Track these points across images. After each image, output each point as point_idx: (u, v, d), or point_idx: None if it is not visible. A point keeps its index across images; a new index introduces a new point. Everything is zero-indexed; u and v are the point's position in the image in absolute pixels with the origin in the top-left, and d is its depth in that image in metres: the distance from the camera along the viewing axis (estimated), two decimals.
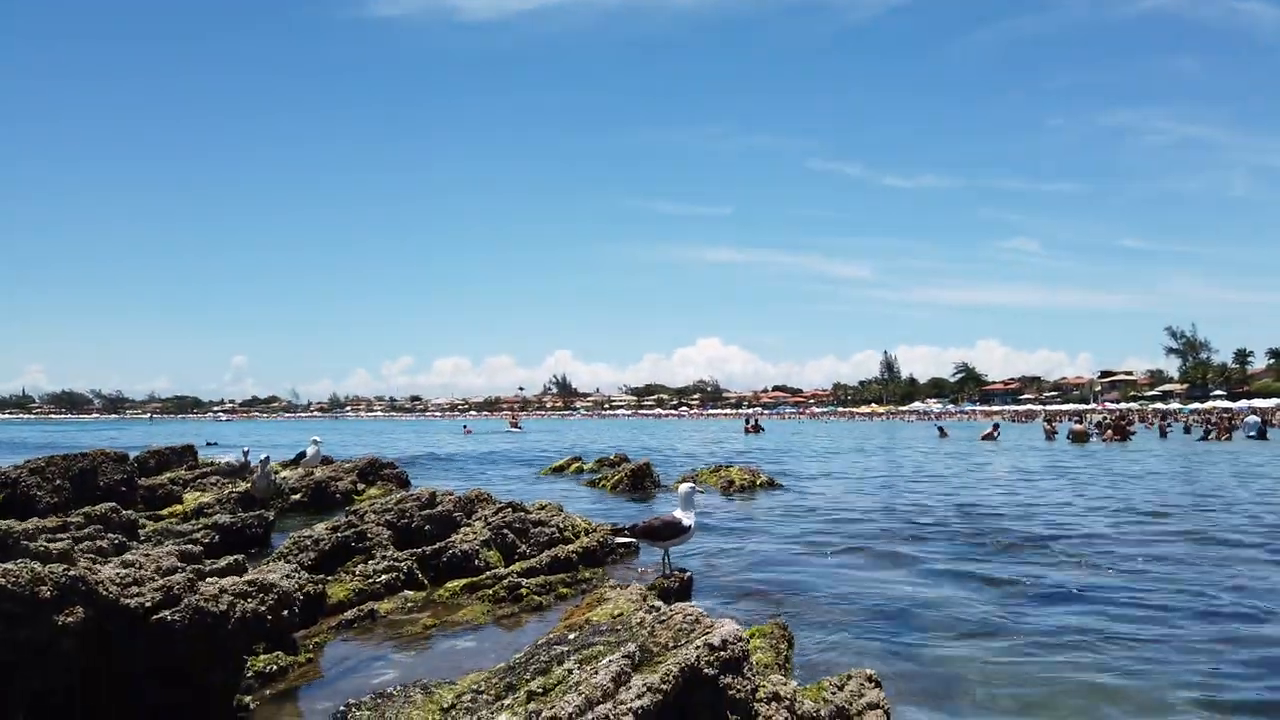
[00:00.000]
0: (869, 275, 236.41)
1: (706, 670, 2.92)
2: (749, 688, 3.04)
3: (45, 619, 2.57)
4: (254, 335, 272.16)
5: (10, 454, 26.96)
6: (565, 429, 71.31)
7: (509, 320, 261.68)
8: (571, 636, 3.66)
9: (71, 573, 2.66)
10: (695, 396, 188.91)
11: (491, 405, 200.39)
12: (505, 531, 7.83)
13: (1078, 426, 36.62)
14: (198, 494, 11.57)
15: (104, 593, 2.76)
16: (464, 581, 6.82)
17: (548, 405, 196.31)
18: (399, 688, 3.53)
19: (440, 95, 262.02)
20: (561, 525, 8.29)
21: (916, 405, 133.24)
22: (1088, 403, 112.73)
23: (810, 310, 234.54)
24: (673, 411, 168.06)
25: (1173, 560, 8.19)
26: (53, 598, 2.56)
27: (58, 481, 9.71)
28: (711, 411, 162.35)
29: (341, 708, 3.33)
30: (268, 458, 11.05)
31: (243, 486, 11.22)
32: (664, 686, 2.77)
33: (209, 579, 3.33)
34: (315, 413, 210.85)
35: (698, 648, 2.99)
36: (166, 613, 2.92)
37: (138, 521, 7.62)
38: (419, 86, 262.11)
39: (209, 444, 36.59)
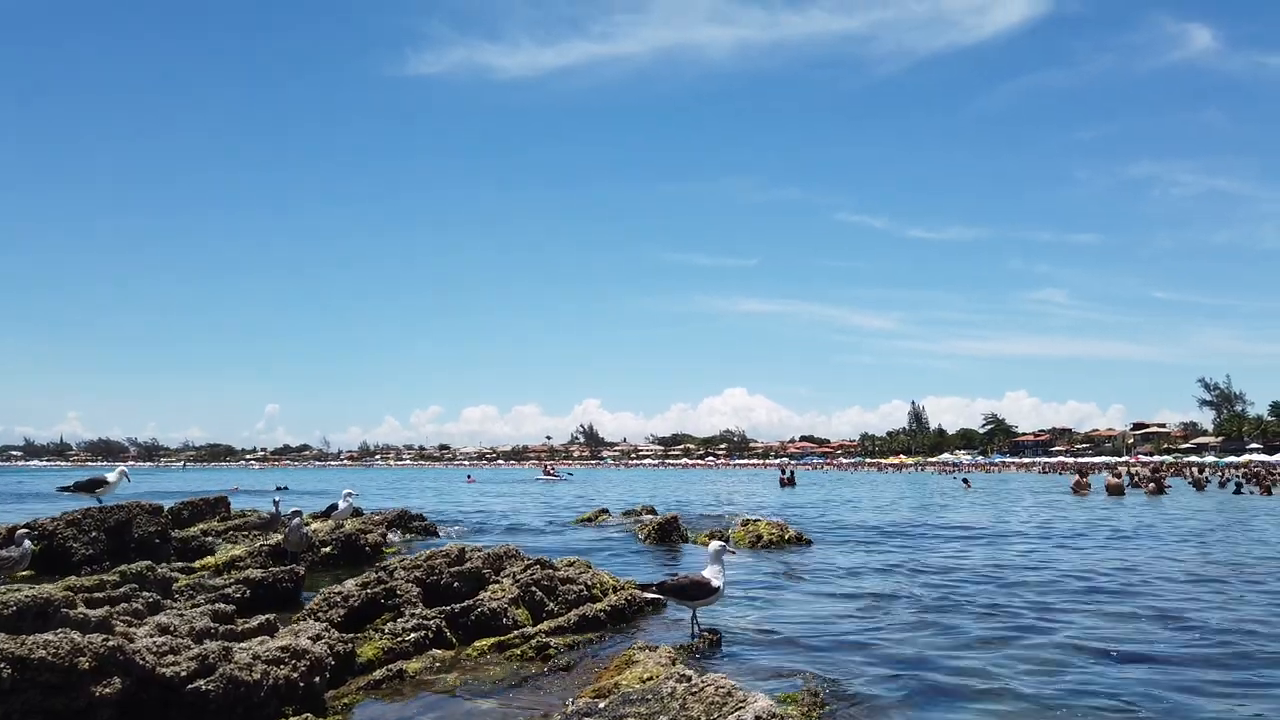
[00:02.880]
0: (896, 326, 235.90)
1: None
2: None
3: (83, 689, 2.59)
4: (286, 384, 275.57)
5: (49, 503, 27.31)
6: (592, 479, 71.16)
7: (536, 369, 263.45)
8: (602, 705, 3.63)
9: (110, 643, 2.69)
10: (722, 446, 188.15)
11: (519, 454, 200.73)
12: (534, 589, 7.80)
13: (1114, 480, 35.95)
14: (229, 546, 11.64)
15: (141, 662, 2.79)
16: (492, 640, 6.78)
17: (575, 454, 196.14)
18: None
19: (473, 150, 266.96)
20: (590, 583, 8.25)
21: (945, 457, 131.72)
22: (1120, 455, 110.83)
23: (837, 361, 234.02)
24: (699, 461, 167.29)
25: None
26: (91, 668, 2.59)
27: (93, 534, 9.84)
28: (738, 462, 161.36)
29: None
30: (299, 511, 11.12)
31: (274, 539, 11.28)
32: None
33: (242, 645, 3.35)
34: (346, 461, 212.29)
35: None
36: (201, 682, 2.93)
37: (172, 578, 7.67)
38: (453, 142, 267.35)
39: (278, 488, 37.47)
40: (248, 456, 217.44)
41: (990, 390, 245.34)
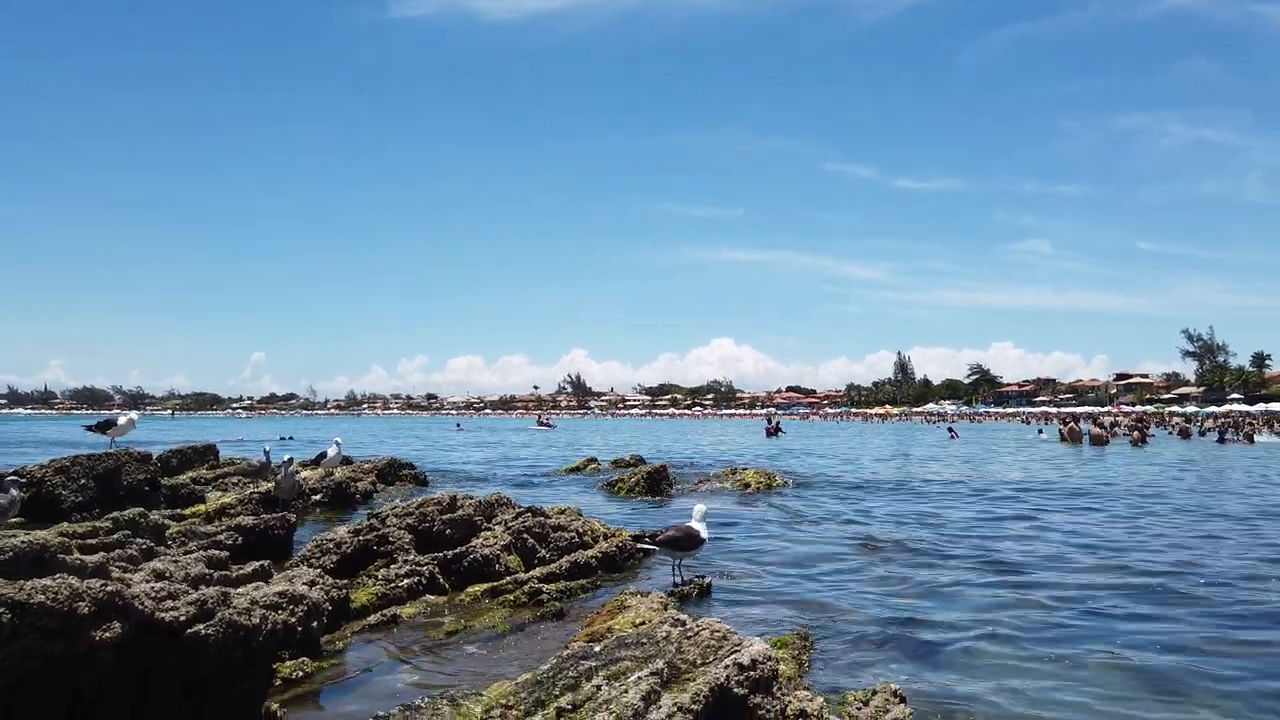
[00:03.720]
0: (882, 277, 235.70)
1: (736, 690, 2.93)
2: (778, 707, 3.04)
3: (83, 634, 2.60)
4: (272, 333, 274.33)
5: (44, 450, 27.27)
6: (580, 428, 71.42)
7: (523, 319, 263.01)
8: (597, 649, 3.67)
9: (109, 588, 2.69)
10: (709, 396, 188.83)
11: (506, 404, 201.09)
12: (525, 536, 7.86)
13: (1097, 430, 36.32)
14: (219, 494, 11.66)
15: (139, 607, 2.79)
16: (485, 586, 6.85)
17: (562, 404, 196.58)
18: (426, 699, 3.54)
19: (457, 97, 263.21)
20: (581, 530, 8.31)
21: (931, 407, 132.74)
22: (1104, 405, 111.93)
23: (823, 311, 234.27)
24: (686, 411, 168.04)
25: None
26: (90, 613, 2.59)
27: (82, 481, 9.80)
28: (725, 412, 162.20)
29: None
30: (291, 458, 11.13)
31: (264, 487, 11.31)
32: (694, 707, 2.78)
33: (239, 591, 3.37)
34: (333, 410, 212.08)
35: (727, 667, 2.99)
36: (200, 627, 2.95)
37: (165, 525, 7.68)
38: (436, 88, 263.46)
39: (281, 438, 37.41)
40: (234, 405, 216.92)
41: (976, 341, 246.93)
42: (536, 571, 7.23)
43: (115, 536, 5.33)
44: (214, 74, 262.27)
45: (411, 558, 7.13)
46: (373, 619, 6.04)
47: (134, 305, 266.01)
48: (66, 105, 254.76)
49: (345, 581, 6.43)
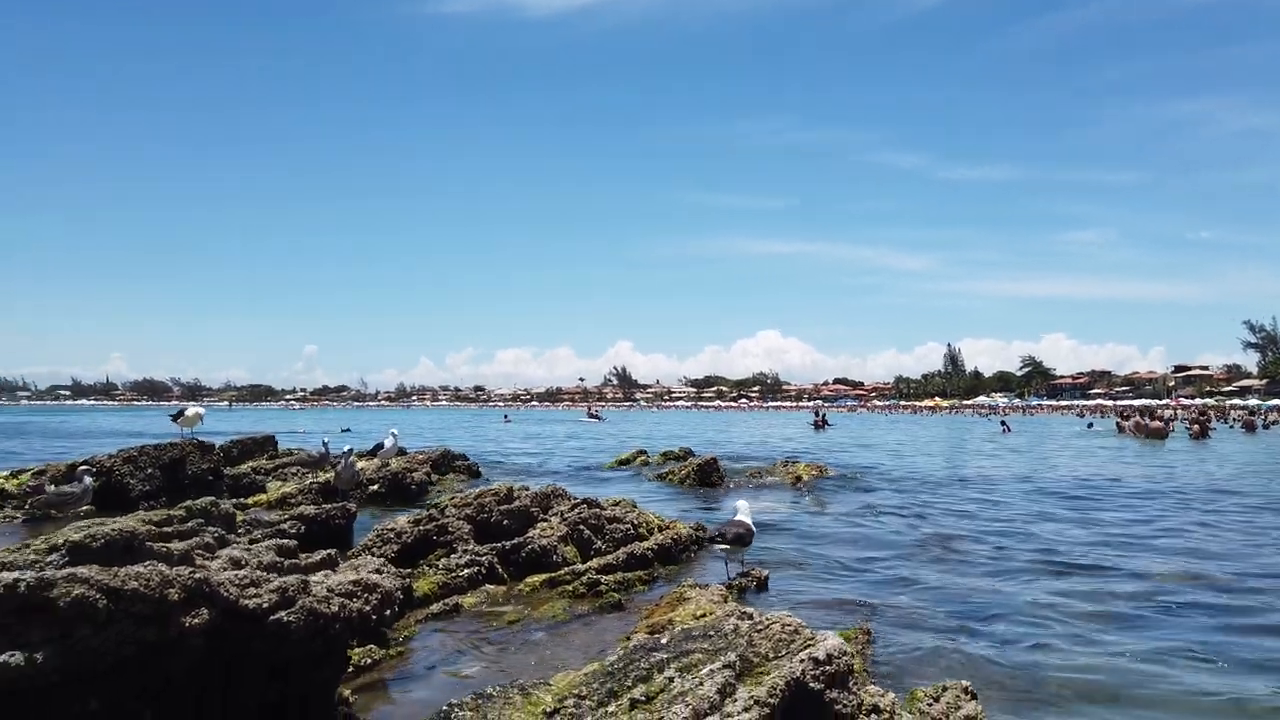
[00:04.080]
0: (931, 267, 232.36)
1: (812, 685, 2.91)
2: (854, 703, 3.02)
3: (173, 620, 2.67)
4: (324, 326, 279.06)
5: (113, 439, 28.04)
6: (626, 421, 71.58)
7: (570, 312, 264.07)
8: (665, 641, 3.67)
9: (197, 575, 2.76)
10: (755, 389, 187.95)
11: (553, 396, 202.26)
12: (581, 528, 7.90)
13: (1155, 424, 35.40)
14: (279, 484, 11.90)
15: (225, 594, 2.86)
16: (543, 577, 6.90)
17: (608, 396, 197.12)
18: (497, 688, 3.57)
19: (504, 91, 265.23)
20: (635, 522, 8.34)
21: (982, 399, 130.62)
22: (1161, 398, 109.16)
23: (871, 303, 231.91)
24: (732, 404, 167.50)
25: None
26: (181, 599, 2.66)
27: (149, 470, 10.09)
28: (771, 404, 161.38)
29: (444, 707, 3.39)
30: (351, 449, 11.32)
31: (323, 477, 11.52)
32: (771, 700, 2.77)
33: (316, 579, 3.43)
34: (383, 401, 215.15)
35: (802, 661, 2.97)
36: (283, 614, 3.01)
37: (234, 514, 7.87)
38: (482, 82, 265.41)
39: (343, 430, 38.37)
40: (288, 397, 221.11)
41: (1026, 332, 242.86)
42: (594, 563, 7.26)
43: (189, 525, 5.47)
44: (261, 69, 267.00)
45: (471, 548, 7.22)
46: (435, 608, 6.13)
47: (192, 299, 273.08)
48: (120, 99, 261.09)
49: (407, 571, 6.52)
